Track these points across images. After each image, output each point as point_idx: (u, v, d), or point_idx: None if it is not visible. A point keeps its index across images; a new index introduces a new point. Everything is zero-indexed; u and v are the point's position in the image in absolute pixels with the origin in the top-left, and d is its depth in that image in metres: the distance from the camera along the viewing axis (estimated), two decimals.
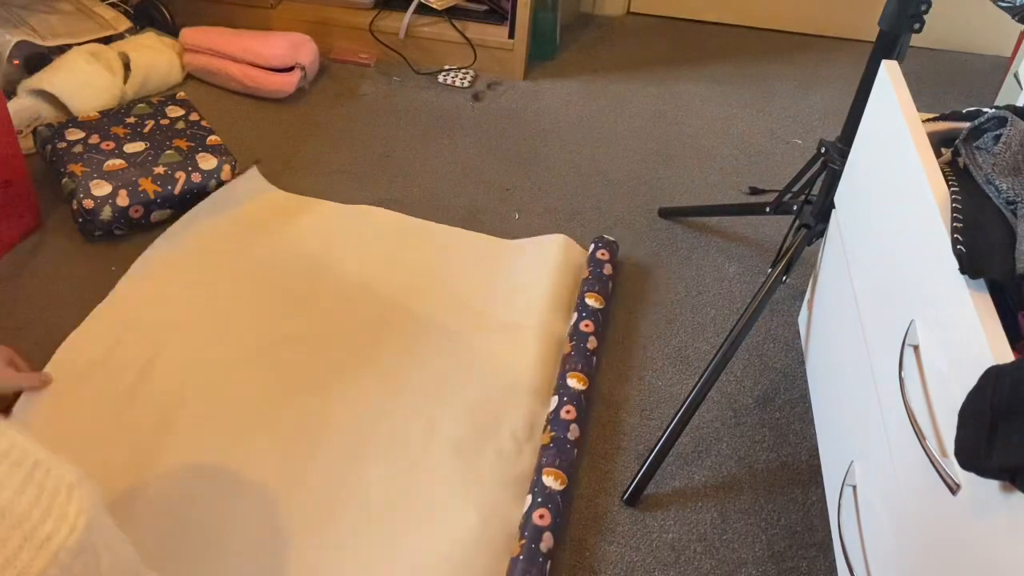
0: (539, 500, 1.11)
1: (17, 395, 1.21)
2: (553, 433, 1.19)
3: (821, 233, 1.34)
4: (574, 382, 1.26)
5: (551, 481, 1.13)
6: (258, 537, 1.09)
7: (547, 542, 1.07)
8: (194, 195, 1.55)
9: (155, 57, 1.87)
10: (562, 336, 1.38)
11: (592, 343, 1.34)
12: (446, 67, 2.07)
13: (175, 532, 1.08)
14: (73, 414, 1.21)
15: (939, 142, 1.01)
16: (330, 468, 1.18)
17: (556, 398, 1.25)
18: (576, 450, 1.20)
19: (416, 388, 1.29)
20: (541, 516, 1.09)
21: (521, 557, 1.05)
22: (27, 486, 0.46)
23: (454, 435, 1.21)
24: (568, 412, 1.22)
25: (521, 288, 1.46)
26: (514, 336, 1.37)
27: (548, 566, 1.06)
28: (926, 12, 1.15)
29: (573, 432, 1.20)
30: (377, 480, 1.16)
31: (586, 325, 1.35)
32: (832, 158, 1.33)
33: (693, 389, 1.21)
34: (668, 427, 1.19)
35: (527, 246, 1.55)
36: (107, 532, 0.51)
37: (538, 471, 1.15)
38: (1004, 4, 1.08)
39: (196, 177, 1.55)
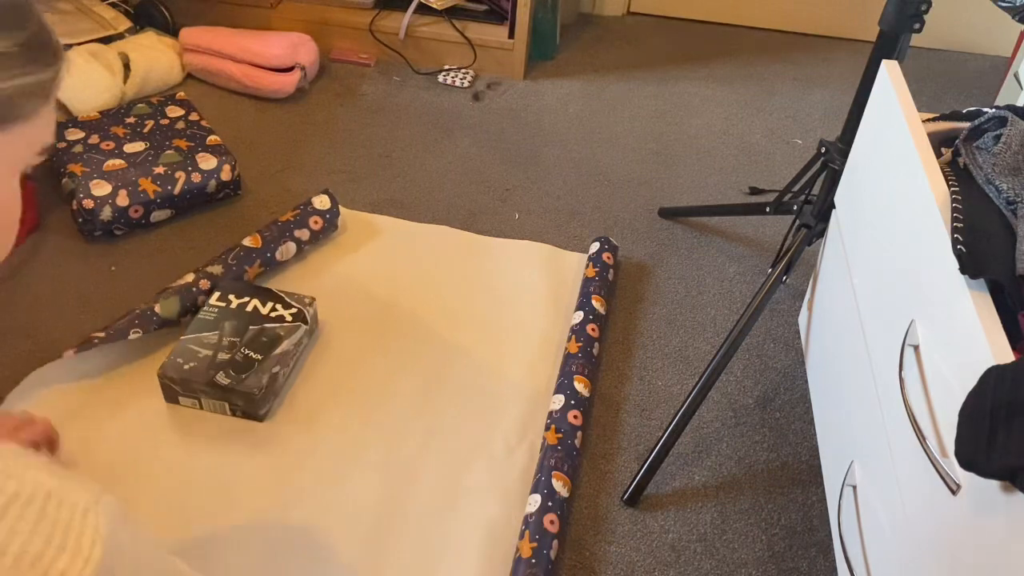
0: (549, 504, 1.10)
1: None
2: (560, 435, 1.18)
3: (821, 233, 1.34)
4: (580, 387, 1.26)
5: (560, 487, 1.12)
6: (247, 552, 1.08)
7: (555, 549, 1.06)
8: (194, 195, 1.55)
9: (155, 57, 1.87)
10: (555, 335, 1.38)
11: (597, 348, 1.34)
12: (446, 67, 2.07)
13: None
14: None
15: (939, 142, 1.01)
16: (317, 481, 1.16)
17: (561, 397, 1.24)
18: (579, 456, 1.20)
19: (406, 397, 1.28)
20: (552, 522, 1.08)
21: (533, 560, 1.04)
22: (40, 523, 0.45)
23: (446, 444, 1.21)
24: (576, 417, 1.21)
25: (507, 289, 1.46)
26: (501, 339, 1.37)
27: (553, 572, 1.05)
28: (926, 12, 1.16)
29: (579, 439, 1.20)
30: (369, 491, 1.15)
31: (592, 329, 1.35)
32: (832, 158, 1.33)
33: (693, 389, 1.21)
34: (668, 427, 1.19)
35: (511, 247, 1.55)
36: (128, 549, 0.50)
37: (546, 471, 1.14)
38: (1004, 4, 1.08)
39: (196, 177, 1.55)
